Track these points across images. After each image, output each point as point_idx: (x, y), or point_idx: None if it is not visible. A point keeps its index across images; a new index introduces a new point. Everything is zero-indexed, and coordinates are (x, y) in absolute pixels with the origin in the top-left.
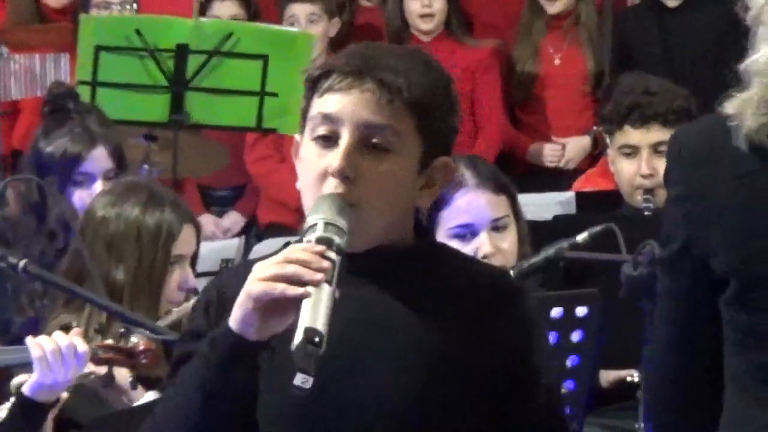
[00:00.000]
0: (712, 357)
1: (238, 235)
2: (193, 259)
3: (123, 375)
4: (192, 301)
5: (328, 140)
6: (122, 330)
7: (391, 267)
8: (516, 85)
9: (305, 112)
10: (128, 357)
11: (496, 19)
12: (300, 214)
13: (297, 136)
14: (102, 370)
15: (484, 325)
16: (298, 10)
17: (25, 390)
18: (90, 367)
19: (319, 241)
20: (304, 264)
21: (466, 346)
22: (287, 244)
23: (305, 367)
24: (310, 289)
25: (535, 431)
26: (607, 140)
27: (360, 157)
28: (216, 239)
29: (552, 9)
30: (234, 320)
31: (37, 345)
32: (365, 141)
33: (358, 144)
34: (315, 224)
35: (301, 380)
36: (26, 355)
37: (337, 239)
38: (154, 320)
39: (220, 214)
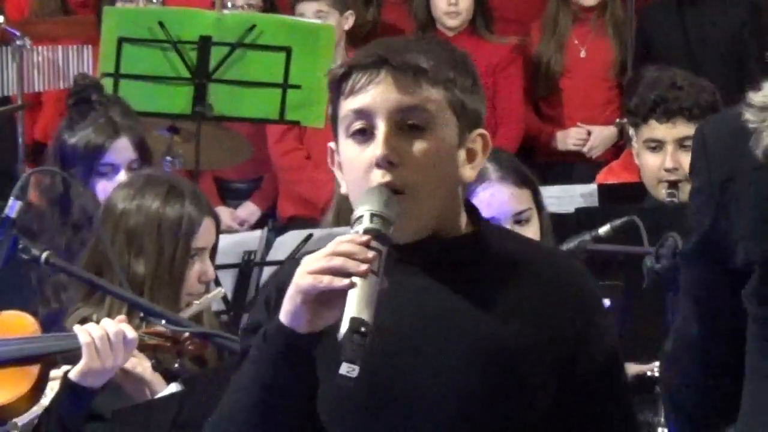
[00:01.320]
0: (735, 346)
1: (254, 226)
2: (213, 251)
3: (145, 366)
4: (212, 294)
5: (365, 133)
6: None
7: (445, 256)
8: (542, 78)
9: (335, 116)
10: (174, 343)
11: (517, 13)
12: (325, 211)
13: (331, 144)
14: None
15: (542, 312)
16: (305, 9)
17: (72, 375)
18: (136, 354)
19: (366, 232)
20: (349, 256)
21: (523, 334)
22: (310, 236)
23: (351, 357)
24: (356, 279)
25: (598, 419)
26: (632, 133)
27: (399, 141)
28: (231, 231)
29: (588, 1)
30: (284, 314)
31: (85, 331)
32: (401, 124)
33: (395, 128)
34: (362, 216)
35: (347, 370)
36: (73, 342)
37: (383, 229)
38: (175, 313)
39: (236, 207)
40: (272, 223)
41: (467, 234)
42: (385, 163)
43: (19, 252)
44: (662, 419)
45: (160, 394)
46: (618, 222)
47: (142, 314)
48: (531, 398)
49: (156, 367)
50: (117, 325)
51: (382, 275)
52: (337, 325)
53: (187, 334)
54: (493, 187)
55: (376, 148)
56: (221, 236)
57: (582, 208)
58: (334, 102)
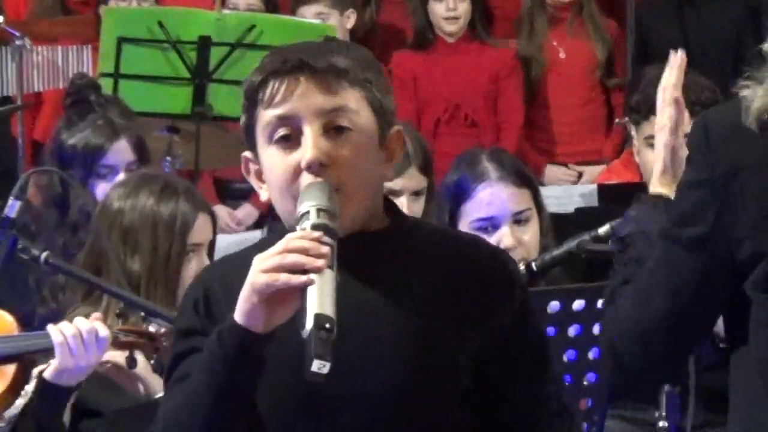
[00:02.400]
0: (698, 336)
1: (251, 227)
2: (210, 248)
3: (141, 360)
4: None
5: (290, 140)
6: (143, 314)
7: (365, 250)
8: (524, 81)
9: (251, 125)
10: (149, 340)
11: (515, 13)
12: None
13: (246, 154)
14: (122, 354)
15: (465, 300)
16: (306, 12)
17: (47, 375)
18: (111, 352)
19: (315, 227)
20: (304, 252)
21: (453, 322)
22: None
23: (321, 353)
24: (313, 276)
25: (524, 405)
26: (633, 131)
27: (327, 143)
28: (229, 231)
29: None
30: (240, 314)
31: (58, 330)
32: (327, 126)
33: (322, 131)
34: (307, 212)
35: (318, 366)
36: (48, 341)
37: (330, 224)
38: (172, 310)
39: (235, 207)
40: (270, 223)
41: (385, 228)
42: (316, 165)
43: (18, 252)
44: (663, 413)
45: (160, 394)
46: (618, 222)
47: (118, 311)
48: (456, 386)
49: (131, 364)
50: (90, 323)
51: (336, 269)
52: (285, 324)
53: (163, 330)
54: (493, 186)
55: (305, 152)
56: (221, 236)
57: (582, 208)
58: (250, 111)
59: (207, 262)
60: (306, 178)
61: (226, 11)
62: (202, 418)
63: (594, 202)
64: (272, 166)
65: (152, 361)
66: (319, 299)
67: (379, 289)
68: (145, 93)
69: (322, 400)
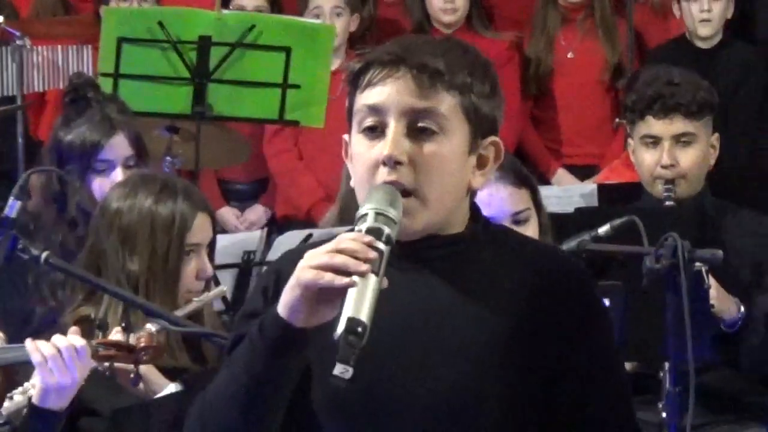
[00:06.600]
0: None
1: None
2: (211, 248)
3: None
4: (213, 292)
5: (376, 131)
6: (123, 324)
7: (448, 253)
8: (530, 79)
9: (350, 110)
10: (129, 353)
11: (514, 11)
12: (310, 216)
13: (345, 136)
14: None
15: (546, 310)
16: (324, 2)
17: (35, 399)
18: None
19: (369, 231)
20: (351, 254)
21: (527, 333)
22: (310, 236)
23: (345, 357)
24: (355, 278)
25: (600, 417)
26: (629, 130)
27: (408, 142)
28: (239, 232)
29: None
30: (282, 306)
31: (36, 350)
32: (412, 126)
33: (406, 130)
34: (366, 214)
35: (340, 371)
36: (24, 353)
37: (386, 229)
38: (173, 310)
39: (240, 209)
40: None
41: (470, 232)
42: (391, 162)
43: (18, 252)
44: (663, 413)
45: (159, 394)
46: (618, 222)
47: (98, 322)
48: (527, 398)
49: (135, 381)
50: (66, 340)
51: (382, 275)
52: (334, 323)
53: (143, 344)
54: (492, 186)
55: (385, 146)
56: (221, 236)
57: (582, 208)
58: (350, 95)
59: (207, 262)
60: (382, 173)
61: (225, 11)
62: (234, 400)
63: (594, 202)
64: (356, 154)
65: (132, 375)
66: (356, 303)
67: (444, 294)
68: (145, 93)
69: (386, 398)
